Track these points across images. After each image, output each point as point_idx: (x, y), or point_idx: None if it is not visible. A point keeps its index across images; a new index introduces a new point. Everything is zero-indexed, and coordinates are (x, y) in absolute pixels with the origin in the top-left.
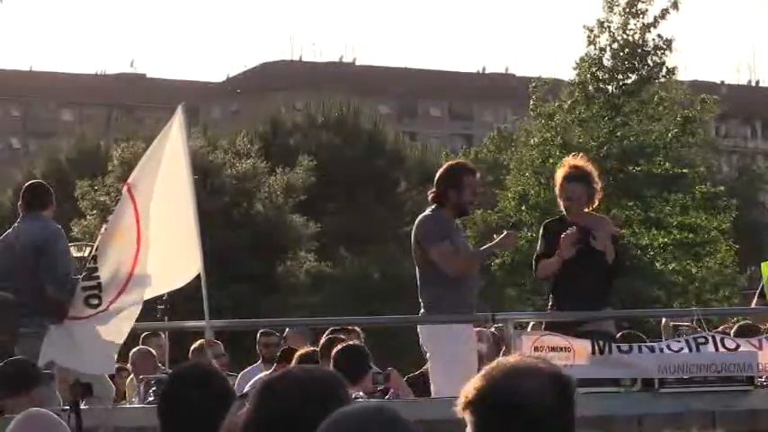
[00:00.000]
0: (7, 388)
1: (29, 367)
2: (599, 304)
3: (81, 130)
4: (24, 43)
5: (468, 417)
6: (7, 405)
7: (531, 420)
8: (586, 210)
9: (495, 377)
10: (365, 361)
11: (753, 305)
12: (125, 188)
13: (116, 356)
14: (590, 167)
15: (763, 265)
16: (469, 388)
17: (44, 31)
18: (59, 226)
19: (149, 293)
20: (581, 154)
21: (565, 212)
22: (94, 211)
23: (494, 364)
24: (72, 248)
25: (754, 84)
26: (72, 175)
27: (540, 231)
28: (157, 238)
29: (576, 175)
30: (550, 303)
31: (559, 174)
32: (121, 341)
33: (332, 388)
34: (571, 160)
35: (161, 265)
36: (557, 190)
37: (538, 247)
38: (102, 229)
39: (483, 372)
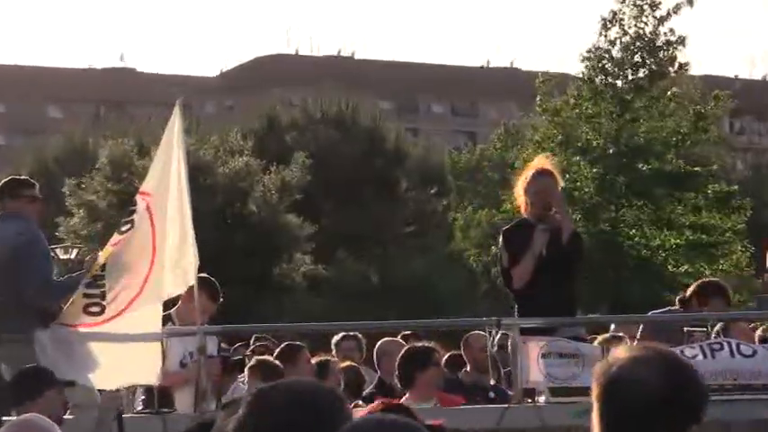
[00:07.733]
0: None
1: (29, 377)
2: (573, 308)
3: (69, 128)
4: (9, 37)
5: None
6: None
7: (643, 408)
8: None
9: (605, 371)
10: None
11: None
12: (140, 197)
13: (159, 369)
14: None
15: None
16: (593, 383)
17: (30, 24)
18: (38, 229)
19: (162, 298)
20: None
21: (528, 208)
22: (81, 211)
23: (608, 357)
24: (59, 251)
25: None
26: (59, 173)
27: (501, 242)
28: (168, 244)
29: (548, 171)
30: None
31: (528, 172)
32: (159, 358)
33: (326, 400)
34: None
35: (170, 271)
36: (522, 186)
37: (503, 261)
38: (116, 237)
39: (598, 366)
